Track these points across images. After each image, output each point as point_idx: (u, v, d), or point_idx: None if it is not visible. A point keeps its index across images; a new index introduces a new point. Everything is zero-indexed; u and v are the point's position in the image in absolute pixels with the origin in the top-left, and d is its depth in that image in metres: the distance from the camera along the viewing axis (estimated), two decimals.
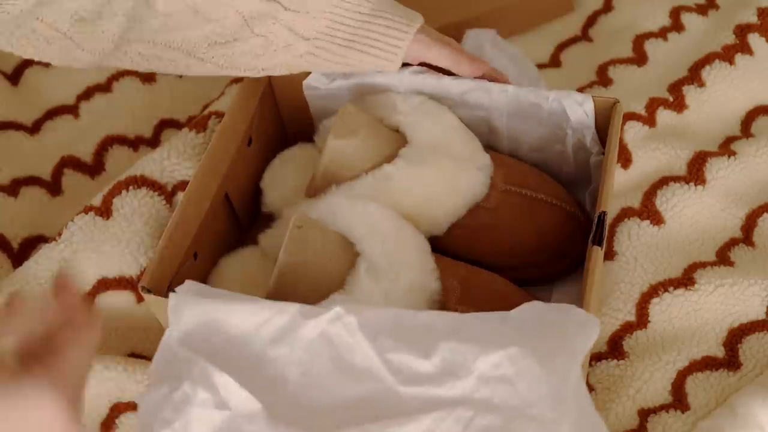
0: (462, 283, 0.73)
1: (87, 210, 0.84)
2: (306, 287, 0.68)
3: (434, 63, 0.79)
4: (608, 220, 0.82)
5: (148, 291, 0.69)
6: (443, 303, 0.71)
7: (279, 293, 0.69)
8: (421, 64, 0.80)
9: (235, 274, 0.77)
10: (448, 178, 0.76)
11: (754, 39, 0.94)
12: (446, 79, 0.80)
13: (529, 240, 0.79)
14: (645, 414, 0.73)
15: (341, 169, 0.76)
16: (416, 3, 0.98)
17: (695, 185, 0.85)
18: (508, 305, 0.73)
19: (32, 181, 0.94)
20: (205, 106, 0.97)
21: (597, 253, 0.68)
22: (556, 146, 0.82)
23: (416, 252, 0.71)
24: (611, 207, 0.83)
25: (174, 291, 0.62)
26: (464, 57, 0.79)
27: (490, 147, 0.83)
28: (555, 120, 0.79)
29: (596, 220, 0.70)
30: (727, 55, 0.93)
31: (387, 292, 0.68)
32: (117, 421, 0.75)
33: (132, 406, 0.75)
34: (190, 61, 0.75)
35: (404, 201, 0.75)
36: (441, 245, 0.77)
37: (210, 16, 0.72)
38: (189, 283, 0.63)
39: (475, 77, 0.80)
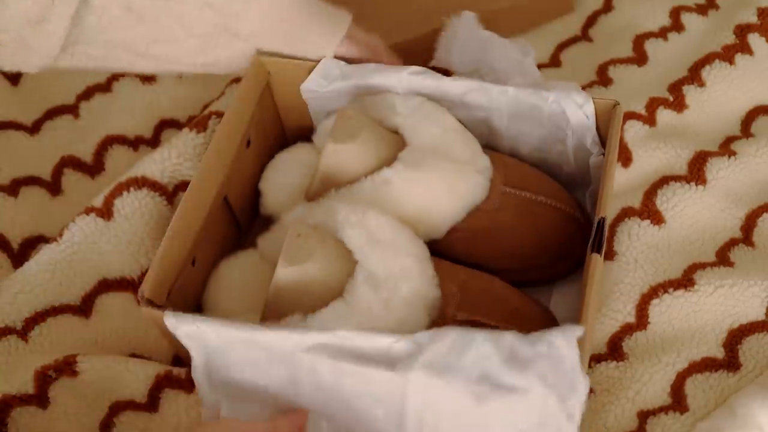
0: (461, 287, 0.73)
1: (88, 211, 0.84)
2: (305, 296, 0.68)
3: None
4: (609, 219, 0.82)
5: (148, 302, 0.69)
6: (442, 309, 0.71)
7: (278, 302, 0.69)
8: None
9: (233, 278, 0.77)
10: (448, 181, 0.76)
11: (754, 39, 0.94)
12: (446, 80, 0.80)
13: (529, 242, 0.79)
14: (644, 416, 0.73)
15: (340, 172, 0.76)
16: (416, 3, 0.98)
17: (696, 185, 0.85)
18: (508, 309, 0.73)
19: (32, 181, 0.94)
20: (205, 106, 0.96)
21: (596, 260, 0.68)
22: (556, 146, 0.82)
23: (415, 259, 0.71)
24: (612, 207, 0.84)
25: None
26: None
27: (489, 148, 0.83)
28: (555, 121, 0.79)
29: (595, 226, 0.70)
30: (727, 55, 0.93)
31: (386, 301, 0.68)
32: (115, 419, 0.75)
33: (132, 406, 0.75)
34: (132, 58, 0.76)
35: (403, 205, 0.75)
36: (440, 249, 0.76)
37: (144, 16, 0.73)
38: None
39: None
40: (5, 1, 0.67)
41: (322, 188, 0.76)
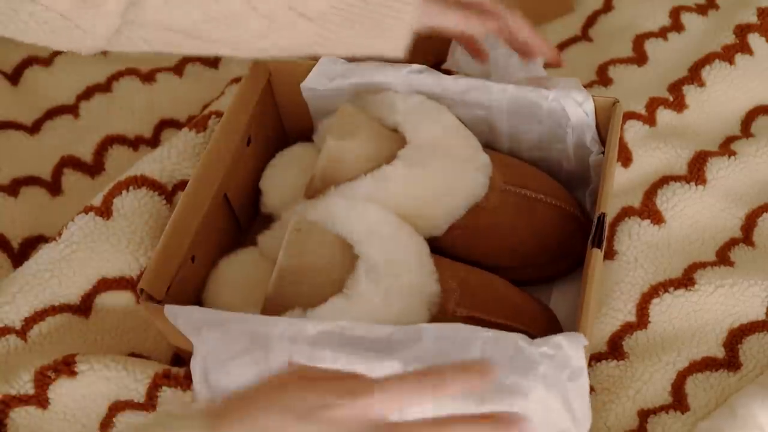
0: (461, 284, 0.73)
1: (87, 210, 0.84)
2: (305, 290, 0.68)
3: (444, 29, 0.77)
4: (609, 219, 0.82)
5: (149, 297, 0.69)
6: (442, 305, 0.71)
7: (278, 297, 0.69)
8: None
9: (233, 275, 0.77)
10: (447, 178, 0.76)
11: (754, 39, 0.94)
12: (446, 79, 0.80)
13: (528, 241, 0.79)
14: (645, 415, 0.73)
15: (340, 170, 0.76)
16: None
17: (696, 185, 0.85)
18: (508, 306, 0.73)
19: (32, 181, 0.94)
20: (205, 106, 0.97)
21: (596, 255, 0.68)
22: (556, 145, 0.82)
23: (415, 254, 0.71)
24: (612, 206, 0.84)
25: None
26: (473, 16, 0.76)
27: (489, 146, 0.83)
28: (555, 119, 0.79)
29: (595, 221, 0.70)
30: (727, 55, 0.93)
31: (386, 295, 0.68)
32: (114, 419, 0.75)
33: (130, 405, 0.75)
34: (194, 42, 0.73)
35: (403, 202, 0.75)
36: (440, 246, 0.76)
37: None
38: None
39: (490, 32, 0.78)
40: None
41: (322, 186, 0.76)
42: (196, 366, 0.67)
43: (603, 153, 0.79)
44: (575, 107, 0.77)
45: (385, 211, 0.73)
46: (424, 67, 0.81)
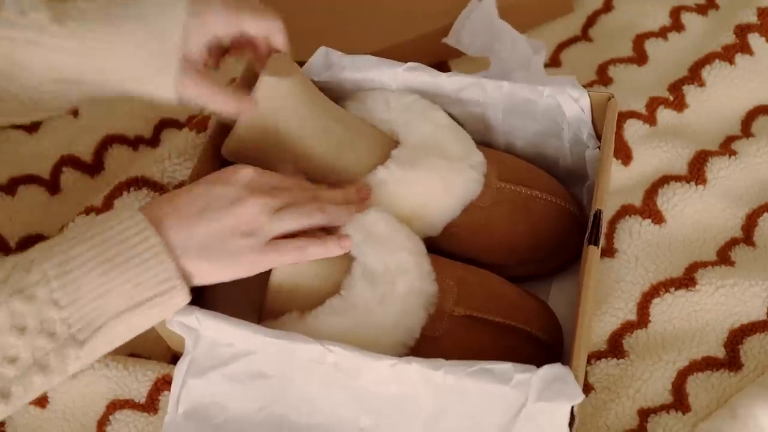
0: (459, 283, 0.72)
1: (88, 211, 0.85)
2: (302, 293, 0.68)
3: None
4: (609, 216, 0.82)
5: None
6: (440, 305, 0.71)
7: (275, 300, 0.69)
8: None
9: None
10: (442, 178, 0.76)
11: (754, 39, 0.94)
12: (441, 76, 0.80)
13: (525, 238, 0.78)
14: (645, 414, 0.73)
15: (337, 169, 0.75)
16: (415, 5, 0.99)
17: (696, 185, 0.85)
18: (506, 304, 0.73)
19: (31, 179, 0.94)
20: None
21: (593, 252, 0.68)
22: (552, 141, 0.82)
23: (412, 255, 0.71)
24: (611, 204, 0.84)
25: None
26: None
27: (485, 143, 0.83)
28: (551, 115, 0.79)
29: (591, 219, 0.70)
30: (727, 55, 0.93)
31: (383, 296, 0.68)
32: (111, 417, 0.75)
33: (128, 404, 0.75)
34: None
35: (398, 203, 0.75)
36: (437, 245, 0.76)
37: None
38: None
39: None
40: None
41: None
42: (181, 366, 0.67)
43: (599, 148, 0.78)
44: (571, 103, 0.77)
45: (381, 212, 0.72)
46: (419, 64, 0.81)
